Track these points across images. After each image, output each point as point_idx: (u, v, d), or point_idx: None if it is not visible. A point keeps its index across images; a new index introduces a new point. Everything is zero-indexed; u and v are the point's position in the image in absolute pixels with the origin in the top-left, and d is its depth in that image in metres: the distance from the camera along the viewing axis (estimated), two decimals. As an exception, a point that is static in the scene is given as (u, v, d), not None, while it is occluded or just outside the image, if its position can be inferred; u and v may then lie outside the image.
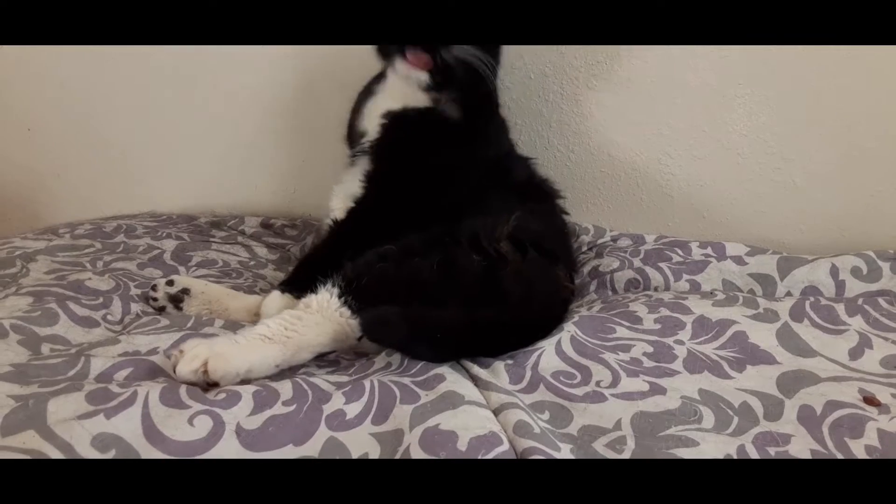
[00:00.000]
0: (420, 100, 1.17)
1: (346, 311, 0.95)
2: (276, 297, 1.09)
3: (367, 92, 1.27)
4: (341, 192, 1.27)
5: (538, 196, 1.28)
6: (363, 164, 1.21)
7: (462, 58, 1.08)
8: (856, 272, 1.16)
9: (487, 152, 1.20)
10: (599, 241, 1.48)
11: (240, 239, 1.58)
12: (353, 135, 1.29)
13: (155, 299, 1.14)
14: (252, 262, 1.44)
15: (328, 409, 0.77)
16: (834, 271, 1.16)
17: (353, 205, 1.20)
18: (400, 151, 1.17)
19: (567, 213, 1.35)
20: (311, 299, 0.97)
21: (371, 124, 1.21)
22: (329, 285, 0.98)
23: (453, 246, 1.01)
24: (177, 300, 1.13)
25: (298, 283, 1.07)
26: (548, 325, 0.99)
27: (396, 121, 1.17)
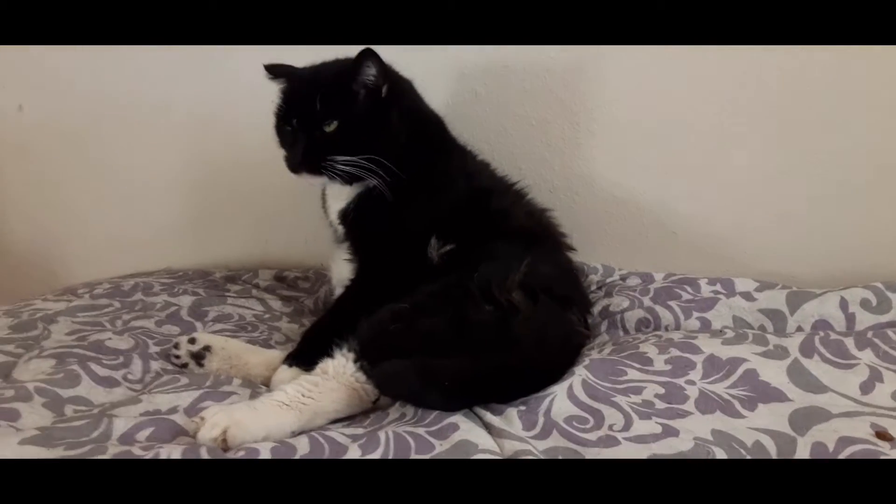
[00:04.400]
0: (356, 190, 1.24)
1: (362, 376, 0.97)
2: (285, 372, 1.09)
3: (323, 192, 1.36)
4: (336, 269, 1.33)
5: (541, 235, 1.29)
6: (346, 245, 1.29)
7: (346, 169, 1.16)
8: (865, 304, 1.17)
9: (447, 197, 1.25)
10: (608, 280, 1.49)
11: (254, 292, 1.60)
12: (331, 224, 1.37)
13: (178, 357, 1.16)
14: (267, 315, 1.46)
15: (345, 462, 0.78)
16: (843, 304, 1.17)
17: (348, 282, 1.26)
18: (366, 232, 1.26)
19: (573, 249, 1.35)
20: (328, 364, 0.99)
21: (335, 220, 1.31)
22: (345, 349, 1.00)
23: (464, 299, 1.02)
24: (199, 357, 1.16)
25: (306, 356, 1.09)
26: (560, 369, 1.00)
27: (347, 216, 1.27)
